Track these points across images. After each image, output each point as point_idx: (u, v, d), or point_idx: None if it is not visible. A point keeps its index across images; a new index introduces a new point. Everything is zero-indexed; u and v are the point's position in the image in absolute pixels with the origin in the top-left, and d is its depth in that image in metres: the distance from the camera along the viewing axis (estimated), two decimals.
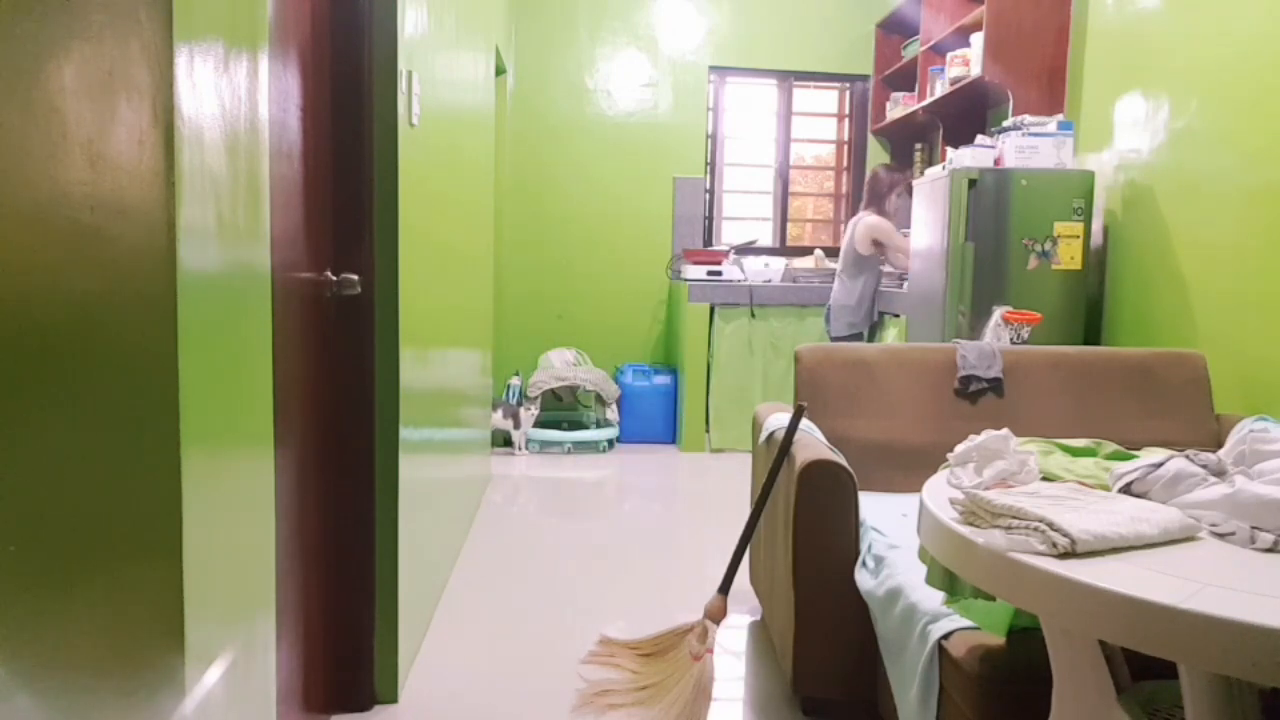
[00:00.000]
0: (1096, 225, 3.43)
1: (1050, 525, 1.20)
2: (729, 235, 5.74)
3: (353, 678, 2.12)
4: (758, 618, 2.70)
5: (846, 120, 5.80)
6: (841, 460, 2.04)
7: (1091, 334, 3.43)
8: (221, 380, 1.14)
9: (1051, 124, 3.43)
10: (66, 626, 0.83)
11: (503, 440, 4.97)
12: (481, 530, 3.58)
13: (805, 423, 2.27)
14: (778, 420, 2.35)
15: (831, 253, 5.61)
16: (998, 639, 1.60)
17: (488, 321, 4.08)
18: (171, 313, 0.98)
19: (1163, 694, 1.36)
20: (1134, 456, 1.57)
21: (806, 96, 5.81)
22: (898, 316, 4.17)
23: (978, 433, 1.58)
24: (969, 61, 4.05)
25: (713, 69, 5.57)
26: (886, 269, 4.51)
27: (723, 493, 4.23)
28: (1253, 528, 1.25)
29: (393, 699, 2.17)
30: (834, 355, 2.55)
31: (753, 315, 4.99)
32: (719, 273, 5.12)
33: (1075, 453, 1.66)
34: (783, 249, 5.73)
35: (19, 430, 0.75)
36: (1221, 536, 1.28)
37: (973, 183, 3.31)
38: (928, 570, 1.54)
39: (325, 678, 2.01)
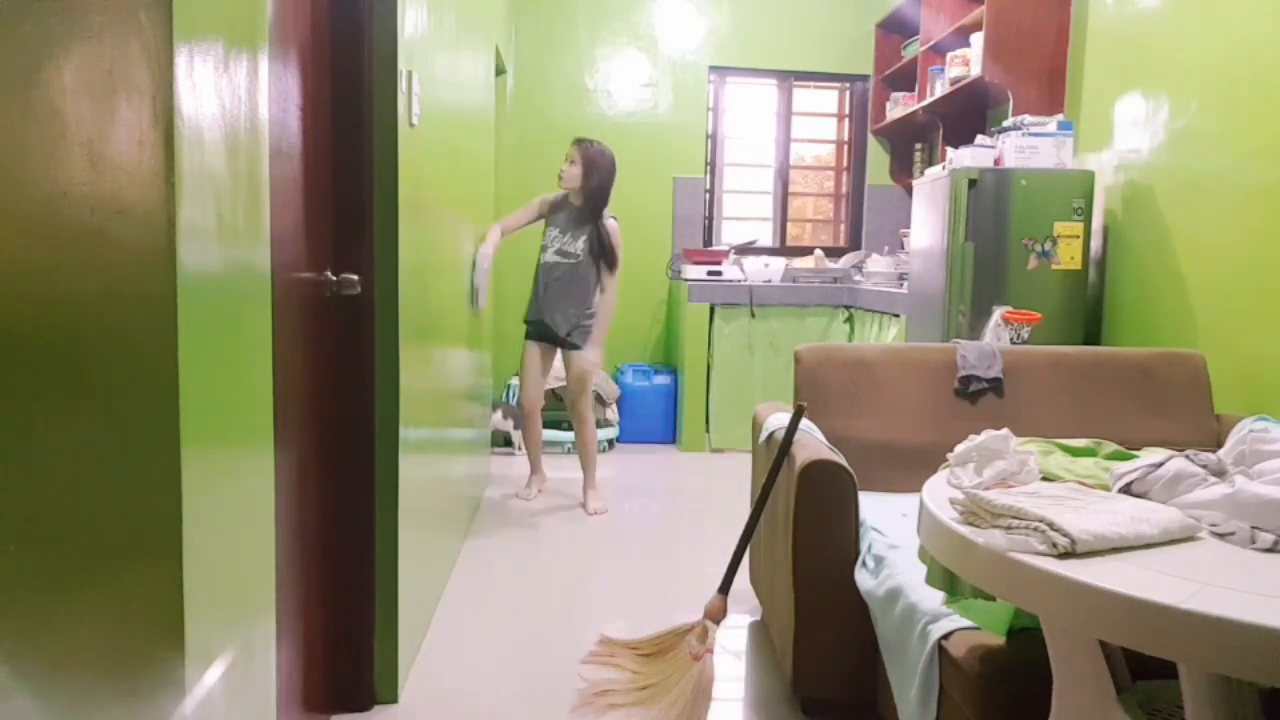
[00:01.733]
0: (1096, 225, 3.42)
1: (1050, 525, 1.20)
2: (729, 235, 5.74)
3: (353, 678, 2.12)
4: (758, 618, 2.70)
5: (846, 120, 5.80)
6: (841, 460, 2.04)
7: (1091, 334, 3.43)
8: (221, 380, 1.14)
9: (1051, 124, 3.43)
10: (66, 626, 0.83)
11: (503, 440, 4.96)
12: (481, 530, 3.58)
13: (805, 423, 2.27)
14: (778, 420, 2.36)
15: (832, 253, 5.61)
16: (998, 639, 1.60)
17: (488, 321, 4.08)
18: (171, 313, 0.98)
19: (1163, 694, 1.36)
20: (1134, 456, 1.57)
21: (806, 96, 5.81)
22: (897, 316, 4.17)
23: (978, 433, 1.58)
24: (969, 61, 4.05)
25: (713, 69, 5.56)
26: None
27: (723, 493, 4.22)
28: (1253, 528, 1.25)
29: (393, 699, 2.17)
30: (834, 355, 2.55)
31: (753, 315, 4.99)
32: (719, 273, 5.12)
33: (1075, 453, 1.66)
34: (783, 249, 5.73)
35: (19, 430, 0.75)
36: (1221, 536, 1.28)
37: (973, 183, 3.31)
38: (928, 570, 1.54)
39: (325, 678, 2.01)
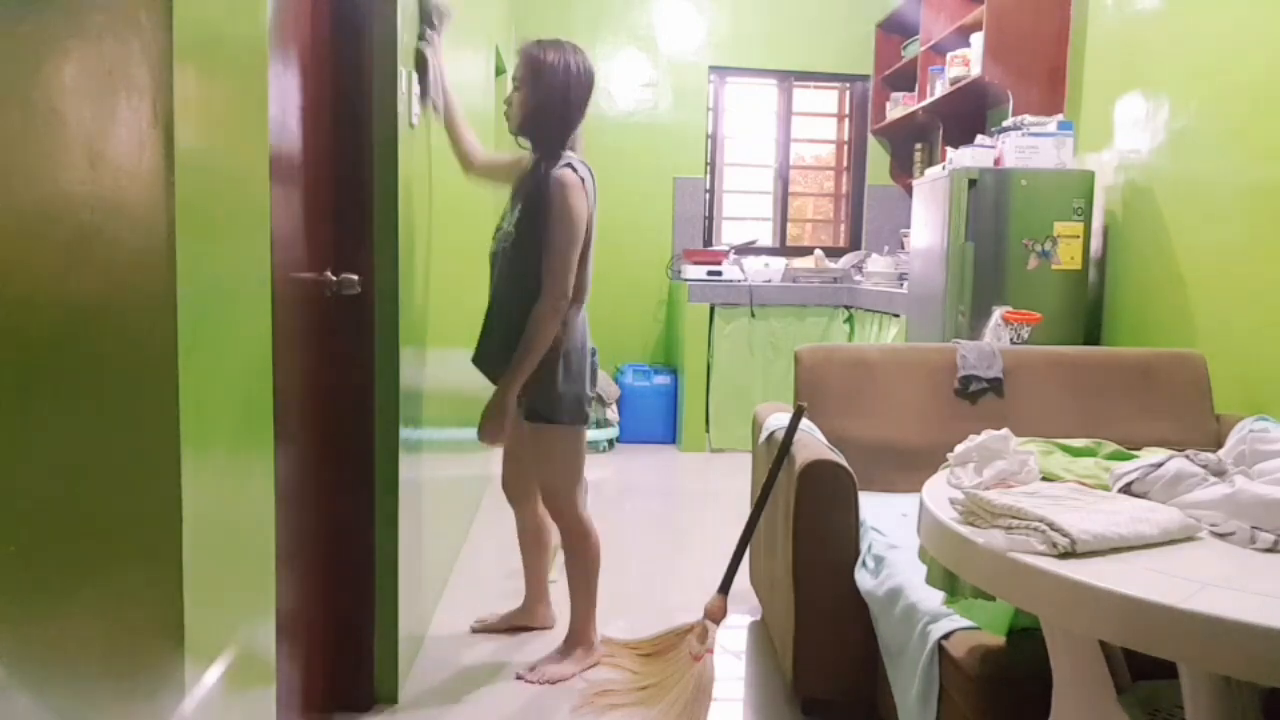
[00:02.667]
0: (1096, 225, 3.42)
1: (1050, 525, 1.20)
2: (729, 235, 5.74)
3: (353, 678, 2.12)
4: (758, 618, 2.70)
5: (846, 120, 5.80)
6: (841, 460, 2.04)
7: (1091, 334, 3.43)
8: (221, 380, 1.14)
9: (1051, 124, 3.43)
10: (66, 627, 0.83)
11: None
12: (481, 530, 3.57)
13: (805, 423, 2.27)
14: (778, 420, 2.35)
15: (832, 253, 5.60)
16: (998, 639, 1.60)
17: None
18: (171, 313, 0.98)
19: (1163, 694, 1.36)
20: (1134, 456, 1.57)
21: (806, 96, 5.81)
22: (897, 316, 4.17)
23: (978, 433, 1.58)
24: (969, 61, 4.05)
25: (713, 69, 5.56)
26: None
27: (723, 493, 4.22)
28: (1253, 528, 1.25)
29: (393, 699, 2.17)
30: (834, 355, 2.55)
31: (753, 315, 4.99)
32: (719, 273, 5.12)
33: (1075, 453, 1.66)
34: (783, 249, 5.73)
35: (19, 430, 0.75)
36: (1221, 536, 1.28)
37: (973, 183, 3.31)
38: (928, 570, 1.54)
39: (325, 678, 2.01)
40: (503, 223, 2.33)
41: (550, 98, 2.22)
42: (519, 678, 2.32)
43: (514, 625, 2.60)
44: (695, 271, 5.12)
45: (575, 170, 2.20)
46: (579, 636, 2.40)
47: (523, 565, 2.63)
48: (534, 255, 2.18)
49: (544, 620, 2.63)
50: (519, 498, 2.56)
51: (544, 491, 2.40)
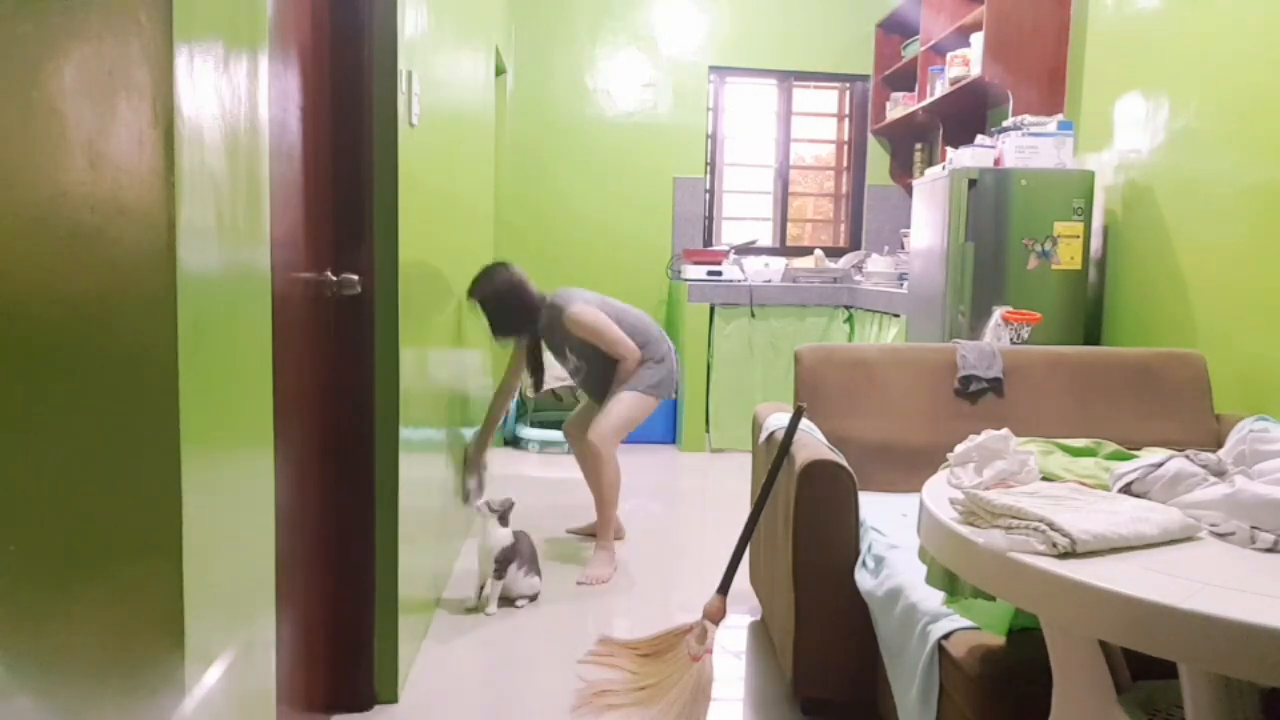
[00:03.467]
0: (1096, 225, 3.43)
1: (1050, 525, 1.20)
2: (729, 235, 5.74)
3: (353, 678, 2.12)
4: (758, 618, 2.70)
5: (846, 120, 5.80)
6: (841, 460, 2.04)
7: (1091, 334, 3.43)
8: (221, 380, 1.14)
9: (1051, 124, 3.43)
10: (66, 626, 0.83)
11: (501, 441, 4.97)
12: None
13: (805, 423, 2.27)
14: (778, 420, 2.35)
15: (832, 253, 5.60)
16: (998, 639, 1.60)
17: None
18: (171, 313, 0.98)
19: (1163, 694, 1.36)
20: (1134, 456, 1.57)
21: (806, 96, 5.81)
22: (897, 316, 4.17)
23: (978, 433, 1.58)
24: (969, 61, 4.05)
25: (713, 69, 5.56)
26: None
27: (723, 493, 4.23)
28: (1253, 528, 1.25)
29: (393, 699, 2.17)
30: (834, 355, 2.55)
31: (753, 315, 4.99)
32: (719, 273, 5.12)
33: (1075, 453, 1.66)
34: (783, 249, 5.73)
35: (19, 430, 0.75)
36: (1221, 536, 1.28)
37: (973, 183, 3.31)
38: (928, 570, 1.54)
39: (325, 678, 2.01)
40: (551, 382, 3.55)
41: (510, 313, 3.23)
42: (580, 583, 3.04)
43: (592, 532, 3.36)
44: (695, 271, 5.12)
45: (558, 303, 3.21)
46: (605, 541, 3.23)
47: (589, 485, 3.32)
48: (598, 354, 3.24)
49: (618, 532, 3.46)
50: (578, 436, 3.41)
51: (598, 428, 3.18)
